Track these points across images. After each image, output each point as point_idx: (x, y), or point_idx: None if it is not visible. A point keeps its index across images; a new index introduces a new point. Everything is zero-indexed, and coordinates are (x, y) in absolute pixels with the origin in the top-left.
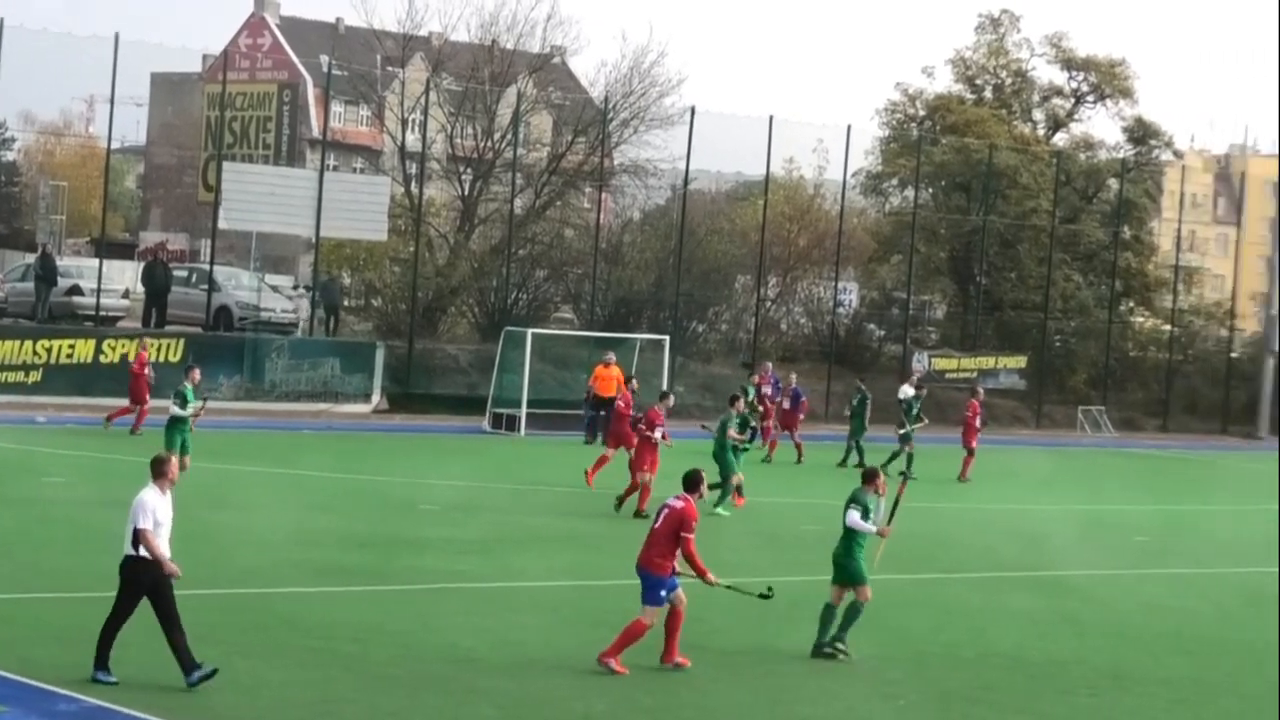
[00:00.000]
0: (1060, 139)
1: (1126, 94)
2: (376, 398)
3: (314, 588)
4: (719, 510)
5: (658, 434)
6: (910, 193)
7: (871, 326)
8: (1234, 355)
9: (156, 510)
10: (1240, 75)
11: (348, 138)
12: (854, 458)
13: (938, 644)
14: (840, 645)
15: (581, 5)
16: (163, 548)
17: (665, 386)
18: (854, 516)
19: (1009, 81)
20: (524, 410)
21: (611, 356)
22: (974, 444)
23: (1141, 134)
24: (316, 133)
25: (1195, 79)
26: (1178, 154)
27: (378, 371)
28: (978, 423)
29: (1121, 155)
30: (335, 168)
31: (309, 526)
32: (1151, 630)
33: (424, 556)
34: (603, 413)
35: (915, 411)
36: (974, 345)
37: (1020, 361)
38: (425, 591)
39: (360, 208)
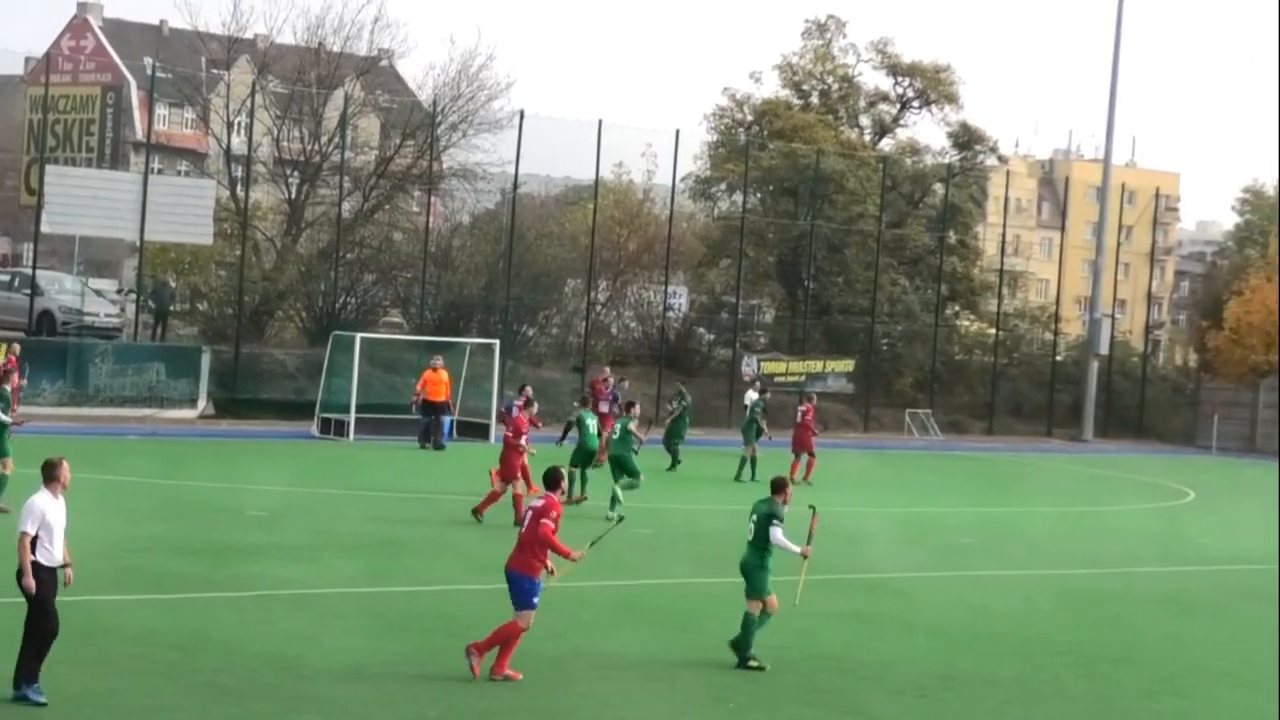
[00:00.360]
0: (887, 144)
1: (951, 99)
2: (203, 403)
3: (139, 595)
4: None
5: (524, 440)
6: (739, 197)
7: (701, 330)
8: (1058, 358)
9: (47, 513)
10: (1064, 81)
11: (172, 140)
12: (679, 462)
13: (767, 646)
14: (753, 662)
15: (409, 8)
16: (55, 552)
17: (497, 391)
18: (779, 535)
19: (835, 87)
20: (353, 415)
21: (439, 360)
22: (813, 447)
23: (966, 139)
24: (140, 135)
25: (1019, 85)
26: (1002, 159)
27: (203, 376)
28: (816, 426)
29: (947, 160)
30: (160, 171)
31: (133, 533)
32: (978, 631)
33: (250, 563)
34: (433, 416)
35: (760, 414)
36: (802, 349)
37: (848, 365)
38: (251, 598)
39: (185, 211)
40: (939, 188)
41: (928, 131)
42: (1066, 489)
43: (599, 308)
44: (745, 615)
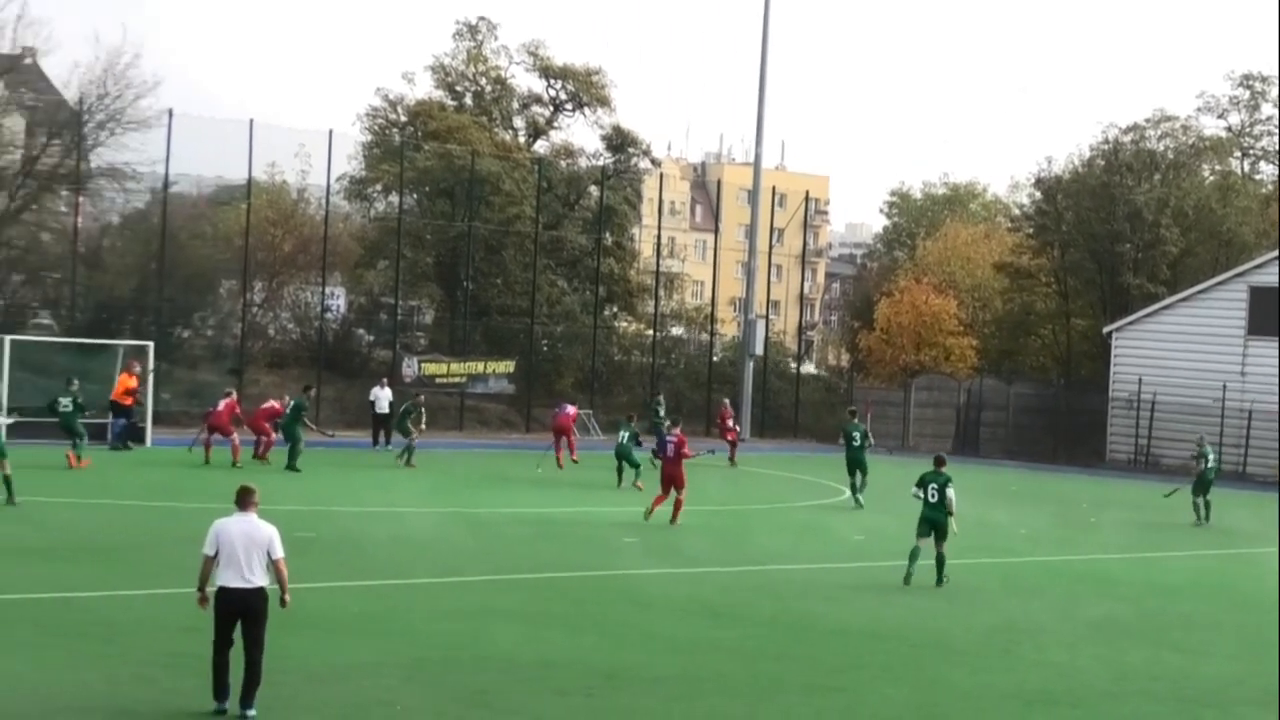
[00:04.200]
0: (541, 146)
1: (604, 102)
2: None
3: None
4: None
5: None
6: (395, 198)
7: (360, 332)
8: (715, 359)
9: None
10: (714, 85)
11: None
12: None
13: (433, 648)
14: None
15: (52, 5)
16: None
17: (151, 394)
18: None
19: (489, 89)
20: (2, 419)
21: (136, 365)
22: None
23: (620, 142)
24: None
25: (671, 88)
26: (655, 162)
27: None
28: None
29: (601, 163)
30: None
31: None
32: (642, 629)
33: None
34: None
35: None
36: (463, 350)
37: (509, 366)
38: None
39: None
40: (594, 190)
41: (581, 134)
42: (724, 487)
43: (255, 309)
44: None
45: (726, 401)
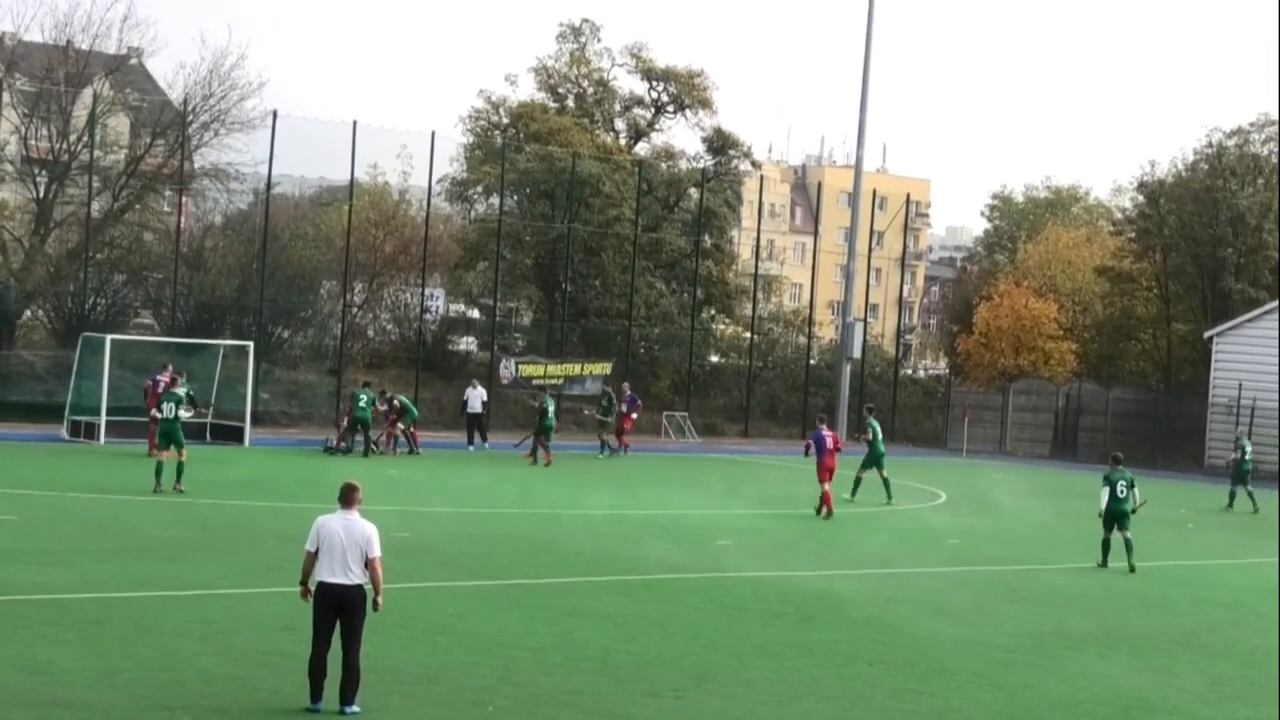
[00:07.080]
0: (642, 148)
1: (705, 105)
2: None
3: None
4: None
5: None
6: (495, 200)
7: (460, 338)
8: (812, 362)
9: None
10: (815, 88)
11: None
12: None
13: (526, 648)
14: None
15: (158, 6)
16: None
17: (251, 393)
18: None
19: (591, 91)
20: (103, 418)
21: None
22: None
23: (720, 144)
24: None
25: (772, 91)
26: (756, 164)
27: None
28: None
29: (701, 165)
30: None
31: None
32: (733, 633)
33: (3, 568)
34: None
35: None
36: (560, 351)
37: (605, 368)
38: (4, 603)
39: None
40: (694, 192)
41: (682, 136)
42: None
43: (355, 310)
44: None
45: (626, 385)
